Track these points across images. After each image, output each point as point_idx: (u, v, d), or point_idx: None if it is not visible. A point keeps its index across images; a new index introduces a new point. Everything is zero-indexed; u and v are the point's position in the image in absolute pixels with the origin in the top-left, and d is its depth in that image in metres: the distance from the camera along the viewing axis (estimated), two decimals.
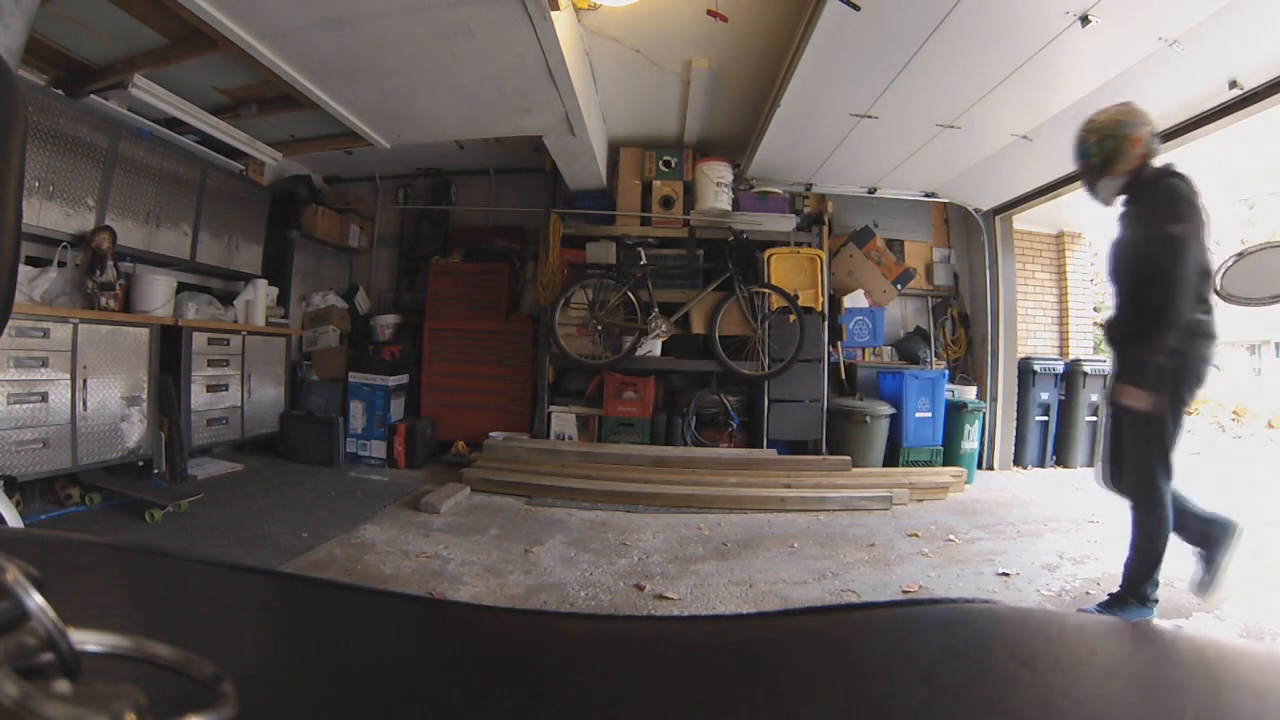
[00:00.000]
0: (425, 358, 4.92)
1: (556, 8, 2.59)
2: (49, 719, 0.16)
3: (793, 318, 4.38)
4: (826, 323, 4.61)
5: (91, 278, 3.22)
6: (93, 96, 3.27)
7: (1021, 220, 5.19)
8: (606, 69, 3.63)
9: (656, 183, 4.65)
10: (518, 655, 0.32)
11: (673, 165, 4.66)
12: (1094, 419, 4.92)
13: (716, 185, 4.56)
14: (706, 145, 4.74)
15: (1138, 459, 2.04)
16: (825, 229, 4.88)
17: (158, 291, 3.62)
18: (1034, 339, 5.50)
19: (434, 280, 5.10)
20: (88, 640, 0.20)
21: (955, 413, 4.47)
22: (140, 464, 3.40)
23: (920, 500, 3.82)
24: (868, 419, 4.34)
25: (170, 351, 3.58)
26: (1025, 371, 5.03)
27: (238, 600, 0.38)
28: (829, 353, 4.69)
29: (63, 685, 0.18)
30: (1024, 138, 3.70)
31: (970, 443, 4.47)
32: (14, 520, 0.95)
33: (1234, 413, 8.53)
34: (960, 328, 5.24)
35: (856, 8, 2.45)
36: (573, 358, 4.49)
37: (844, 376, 4.84)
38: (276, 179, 4.80)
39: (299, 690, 0.27)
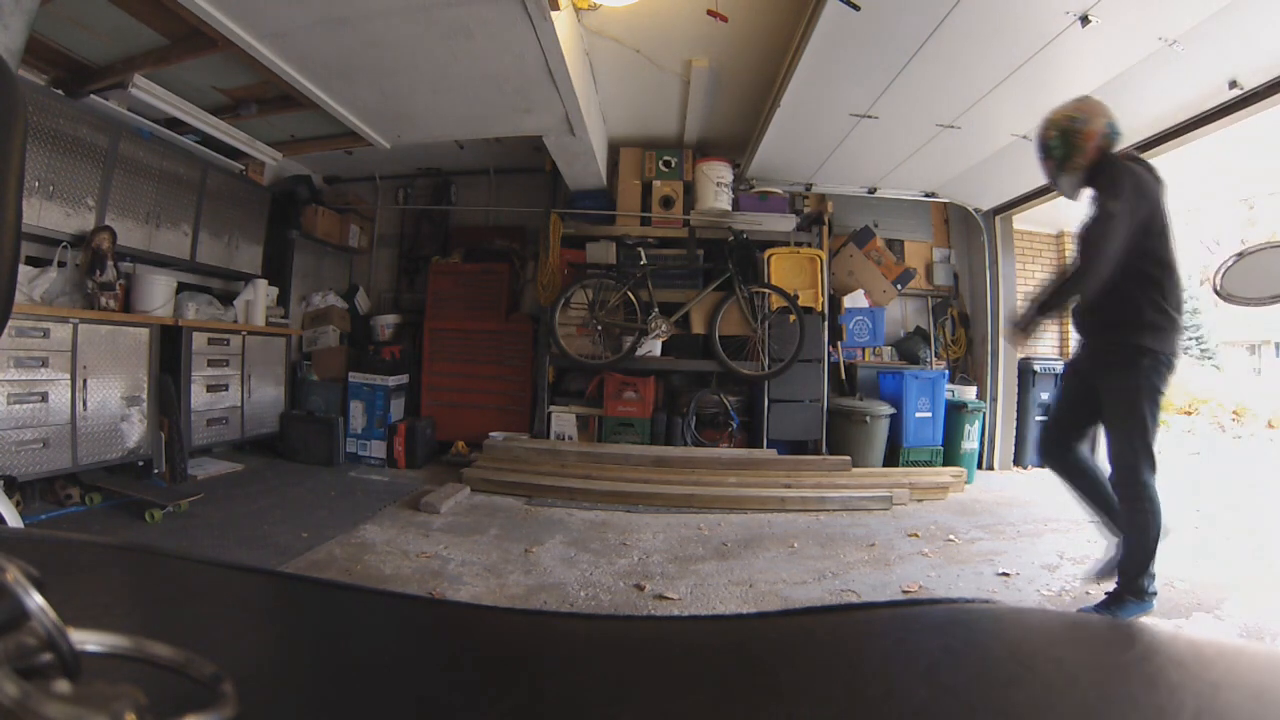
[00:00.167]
0: (425, 358, 4.92)
1: (556, 8, 2.59)
2: (49, 719, 0.16)
3: (793, 318, 4.38)
4: (826, 323, 4.61)
5: (91, 278, 3.22)
6: (93, 96, 3.27)
7: (1021, 220, 5.19)
8: (606, 69, 3.63)
9: (656, 183, 4.65)
10: (518, 655, 0.32)
11: (673, 165, 4.66)
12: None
13: (716, 185, 4.56)
14: (706, 145, 4.74)
15: (1121, 454, 2.05)
16: (825, 229, 4.88)
17: (158, 291, 3.62)
18: (1034, 339, 5.50)
19: (434, 280, 5.10)
20: (88, 640, 0.20)
21: (955, 413, 4.47)
22: (140, 464, 3.40)
23: (920, 500, 3.82)
24: (868, 419, 4.34)
25: (170, 351, 3.58)
26: (1025, 371, 5.03)
27: (238, 600, 0.38)
28: (829, 353, 4.69)
29: (63, 685, 0.18)
30: (1024, 138, 3.70)
31: (970, 443, 4.47)
32: (14, 520, 0.95)
33: (1234, 413, 8.53)
34: (960, 328, 5.24)
35: (856, 8, 2.45)
36: (573, 358, 4.49)
37: (844, 376, 4.84)
38: (276, 179, 4.80)
39: (299, 690, 0.27)
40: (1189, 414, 8.74)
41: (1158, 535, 2.01)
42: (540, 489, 3.67)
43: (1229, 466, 5.53)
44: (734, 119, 4.23)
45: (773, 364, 4.38)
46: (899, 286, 5.10)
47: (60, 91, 3.15)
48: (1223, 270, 2.34)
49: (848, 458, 4.25)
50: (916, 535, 3.13)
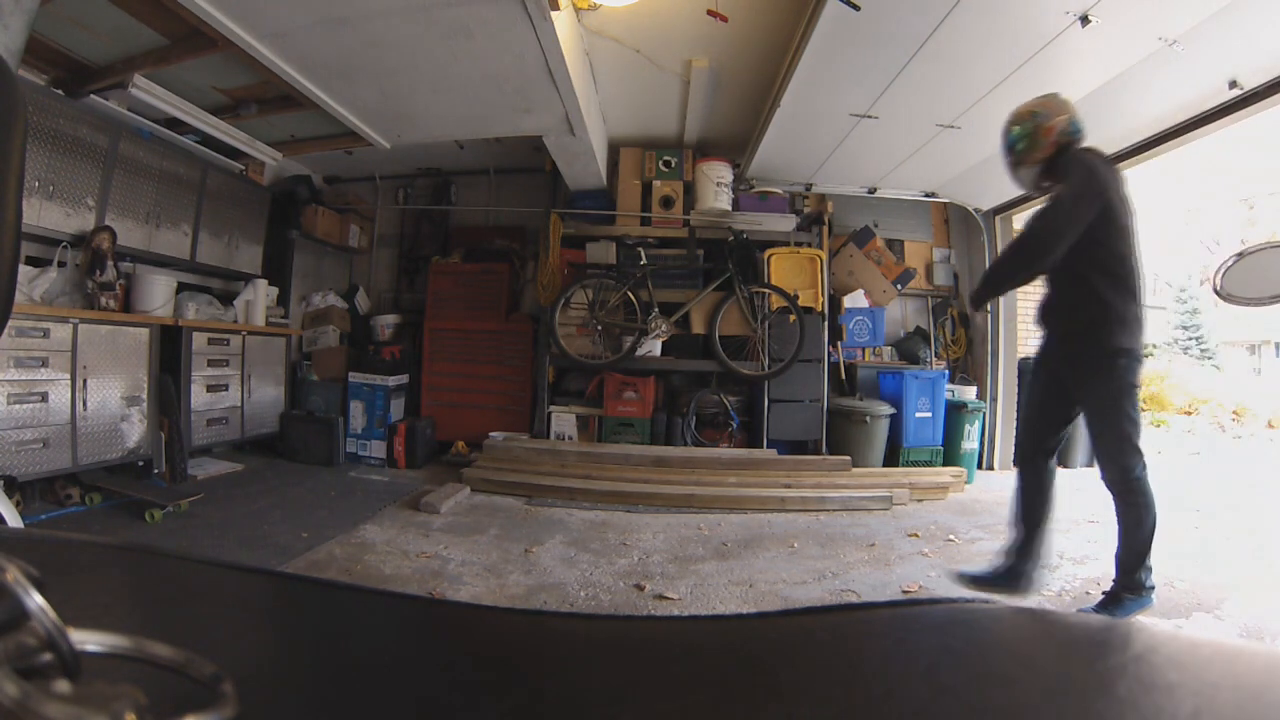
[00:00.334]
0: (425, 358, 4.92)
1: (556, 8, 2.59)
2: (49, 719, 0.16)
3: (793, 318, 4.38)
4: (826, 323, 4.61)
5: (91, 278, 3.22)
6: (93, 96, 3.27)
7: (1021, 220, 5.19)
8: (606, 69, 3.63)
9: (656, 183, 4.65)
10: (518, 655, 0.32)
11: (673, 165, 4.66)
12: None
13: (716, 185, 4.56)
14: (706, 145, 4.73)
15: (1112, 453, 2.06)
16: (825, 229, 4.88)
17: (158, 291, 3.62)
18: (1034, 339, 5.46)
19: (434, 280, 5.10)
20: (88, 640, 0.20)
21: (955, 413, 4.47)
22: (140, 464, 3.40)
23: (920, 500, 3.82)
24: (868, 419, 4.34)
25: (170, 351, 3.58)
26: (1025, 372, 5.02)
27: (238, 600, 0.38)
28: (829, 353, 4.69)
29: (63, 685, 0.18)
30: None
31: (970, 443, 4.47)
32: (14, 520, 0.95)
33: (1234, 413, 8.54)
34: (960, 328, 5.24)
35: (856, 8, 2.45)
36: (573, 358, 4.49)
37: (844, 376, 4.84)
38: (276, 179, 4.80)
39: (299, 690, 0.27)
40: (1189, 414, 8.75)
41: (1153, 528, 2.02)
42: (540, 489, 3.67)
43: (1229, 466, 5.53)
44: (734, 119, 4.23)
45: (773, 364, 4.38)
46: (899, 286, 5.10)
47: (60, 91, 3.15)
48: (1223, 270, 2.34)
49: (848, 458, 4.25)
50: (916, 535, 3.13)
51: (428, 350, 4.93)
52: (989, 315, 4.94)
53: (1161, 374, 10.13)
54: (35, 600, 0.19)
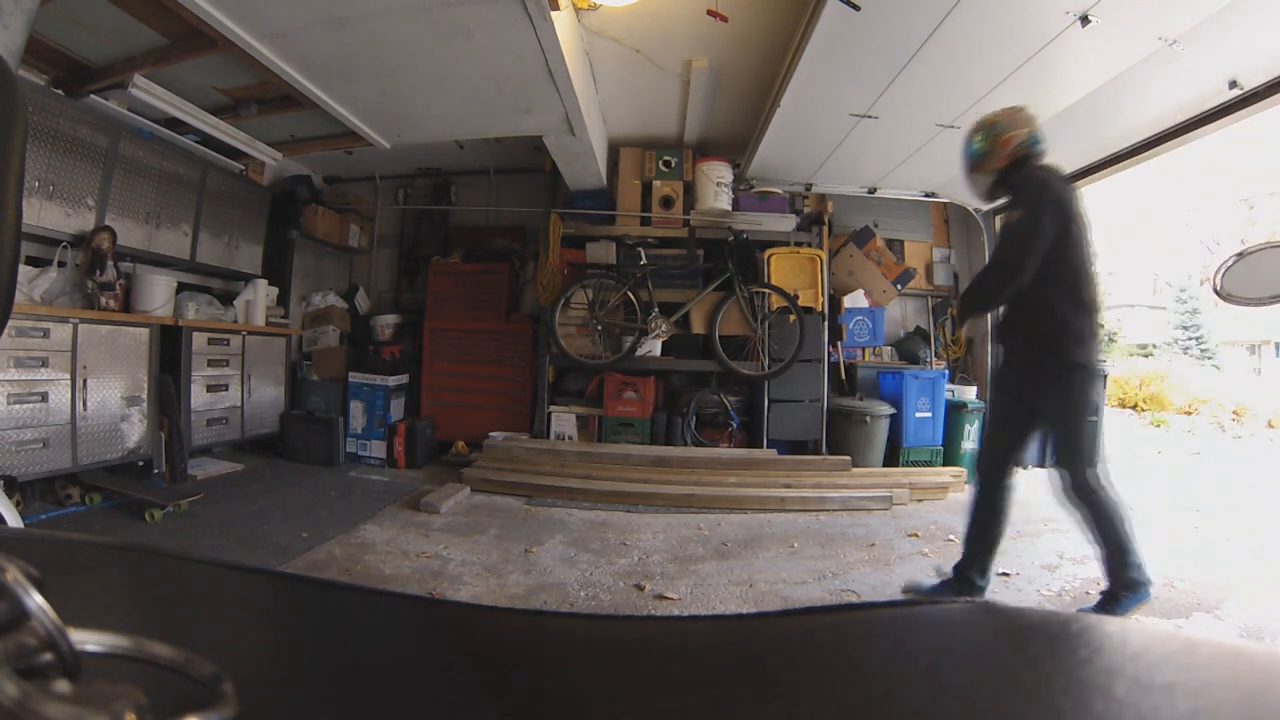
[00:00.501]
0: (425, 358, 4.91)
1: (556, 8, 2.59)
2: (49, 719, 0.16)
3: (793, 318, 4.38)
4: (826, 323, 4.61)
5: (91, 278, 3.22)
6: (93, 96, 3.27)
7: None
8: (606, 69, 3.63)
9: (656, 183, 4.65)
10: (518, 655, 0.32)
11: (673, 165, 4.66)
12: (1094, 419, 4.91)
13: (716, 185, 4.56)
14: (706, 145, 4.73)
15: (1072, 465, 2.09)
16: (825, 229, 4.88)
17: (158, 291, 3.62)
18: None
19: (434, 280, 5.10)
20: (88, 640, 0.20)
21: (955, 413, 4.47)
22: (140, 464, 3.40)
23: (920, 500, 3.82)
24: (868, 419, 4.34)
25: (170, 351, 3.58)
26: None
27: (238, 600, 0.38)
28: (829, 353, 4.69)
29: (63, 685, 0.18)
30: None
31: (970, 443, 4.47)
32: (14, 520, 0.95)
33: (1234, 413, 8.54)
34: (960, 328, 5.24)
35: (856, 8, 2.45)
36: (573, 358, 4.49)
37: (844, 376, 4.83)
38: (276, 179, 4.80)
39: (299, 690, 0.27)
40: (1189, 414, 8.75)
41: (1126, 525, 2.04)
42: (540, 489, 3.67)
43: (1229, 466, 5.53)
44: (734, 119, 4.23)
45: (773, 364, 4.38)
46: (899, 286, 5.10)
47: (60, 91, 3.15)
48: (1223, 270, 2.33)
49: (848, 458, 4.25)
50: (916, 535, 3.13)
51: (428, 350, 4.93)
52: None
53: (1161, 374, 10.14)
54: (35, 600, 0.19)
